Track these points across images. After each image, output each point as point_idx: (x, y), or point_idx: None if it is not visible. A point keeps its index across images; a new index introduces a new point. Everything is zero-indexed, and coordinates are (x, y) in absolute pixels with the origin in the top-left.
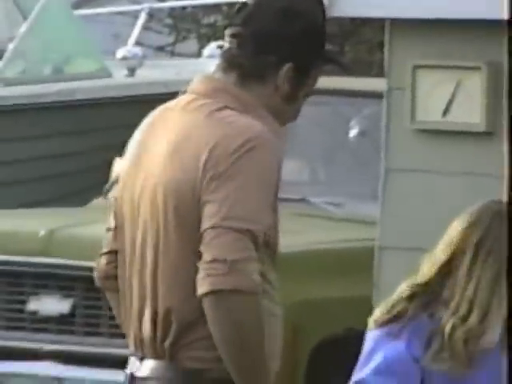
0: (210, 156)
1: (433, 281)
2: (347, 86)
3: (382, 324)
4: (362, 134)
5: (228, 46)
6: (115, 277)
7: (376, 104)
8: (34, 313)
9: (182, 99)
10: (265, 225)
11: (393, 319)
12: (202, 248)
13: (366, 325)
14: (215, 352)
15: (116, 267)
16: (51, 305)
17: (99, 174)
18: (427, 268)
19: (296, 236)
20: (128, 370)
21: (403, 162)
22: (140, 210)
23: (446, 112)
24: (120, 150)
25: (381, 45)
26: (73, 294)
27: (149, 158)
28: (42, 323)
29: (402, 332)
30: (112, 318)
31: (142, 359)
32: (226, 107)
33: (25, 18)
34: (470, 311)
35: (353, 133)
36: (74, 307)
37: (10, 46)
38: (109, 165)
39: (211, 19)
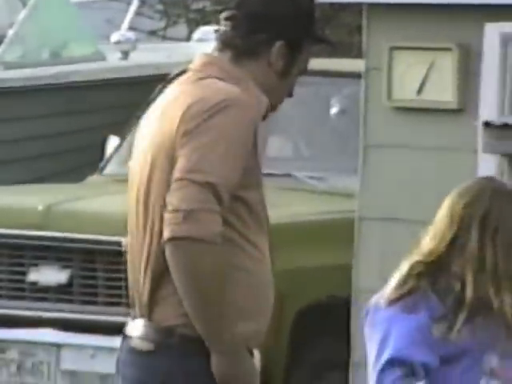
0: (185, 114)
1: (441, 257)
2: (328, 67)
3: (394, 301)
4: (342, 112)
5: (223, 28)
6: None
7: (355, 84)
8: (34, 283)
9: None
10: (229, 180)
11: (404, 295)
12: (167, 199)
13: (347, 291)
14: (184, 308)
15: None
16: (50, 275)
17: (94, 152)
18: (433, 244)
19: (281, 209)
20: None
21: (381, 138)
22: (135, 172)
23: (420, 90)
24: (114, 129)
25: (359, 28)
26: (70, 265)
27: (146, 127)
28: (42, 293)
29: (417, 307)
30: (108, 287)
31: (134, 320)
32: (212, 76)
33: (24, 5)
34: (497, 284)
35: (333, 111)
36: (71, 277)
37: (10, 32)
38: (103, 143)
39: (200, 5)
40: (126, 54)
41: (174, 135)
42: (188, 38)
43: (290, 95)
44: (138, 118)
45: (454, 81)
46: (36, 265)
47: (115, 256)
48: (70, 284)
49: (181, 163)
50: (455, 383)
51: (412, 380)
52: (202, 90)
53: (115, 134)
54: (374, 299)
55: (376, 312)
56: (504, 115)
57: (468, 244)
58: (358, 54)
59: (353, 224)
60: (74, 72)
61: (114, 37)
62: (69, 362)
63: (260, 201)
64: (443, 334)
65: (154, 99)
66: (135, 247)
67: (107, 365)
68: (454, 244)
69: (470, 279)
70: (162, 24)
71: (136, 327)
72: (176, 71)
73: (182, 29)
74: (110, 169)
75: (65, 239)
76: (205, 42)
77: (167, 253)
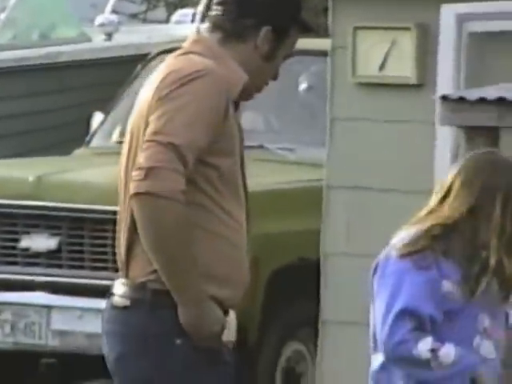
0: (161, 83)
1: (457, 223)
2: (297, 46)
3: (405, 255)
4: (310, 87)
5: (214, 12)
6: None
7: (322, 61)
8: (26, 249)
9: None
10: (193, 143)
11: (417, 251)
12: (136, 159)
13: (316, 254)
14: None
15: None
16: (41, 242)
17: (80, 127)
18: (453, 208)
19: (254, 178)
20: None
21: (346, 111)
22: (125, 141)
23: (382, 67)
24: (99, 106)
25: (325, 10)
26: (59, 233)
27: (139, 97)
28: (33, 258)
29: (428, 264)
30: (94, 253)
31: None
32: (194, 52)
33: None
34: None
35: (302, 87)
36: (60, 244)
37: (2, 16)
38: (88, 119)
39: None
40: (109, 36)
41: (150, 103)
42: (167, 21)
43: (275, 78)
44: (121, 94)
45: (413, 58)
46: (28, 232)
47: (101, 223)
48: (59, 250)
49: (150, 127)
50: (453, 338)
51: (421, 334)
52: (179, 62)
53: (100, 110)
54: (382, 254)
55: (386, 264)
56: (460, 89)
57: (493, 214)
58: (325, 34)
59: (321, 192)
60: (61, 53)
61: (99, 20)
62: (58, 322)
63: (235, 170)
64: (466, 296)
65: (135, 77)
66: (121, 210)
67: (94, 325)
68: (473, 212)
69: (494, 246)
70: (143, 8)
71: (117, 285)
72: (155, 51)
73: (161, 12)
74: (95, 142)
75: (54, 208)
76: (182, 24)
77: (134, 209)
